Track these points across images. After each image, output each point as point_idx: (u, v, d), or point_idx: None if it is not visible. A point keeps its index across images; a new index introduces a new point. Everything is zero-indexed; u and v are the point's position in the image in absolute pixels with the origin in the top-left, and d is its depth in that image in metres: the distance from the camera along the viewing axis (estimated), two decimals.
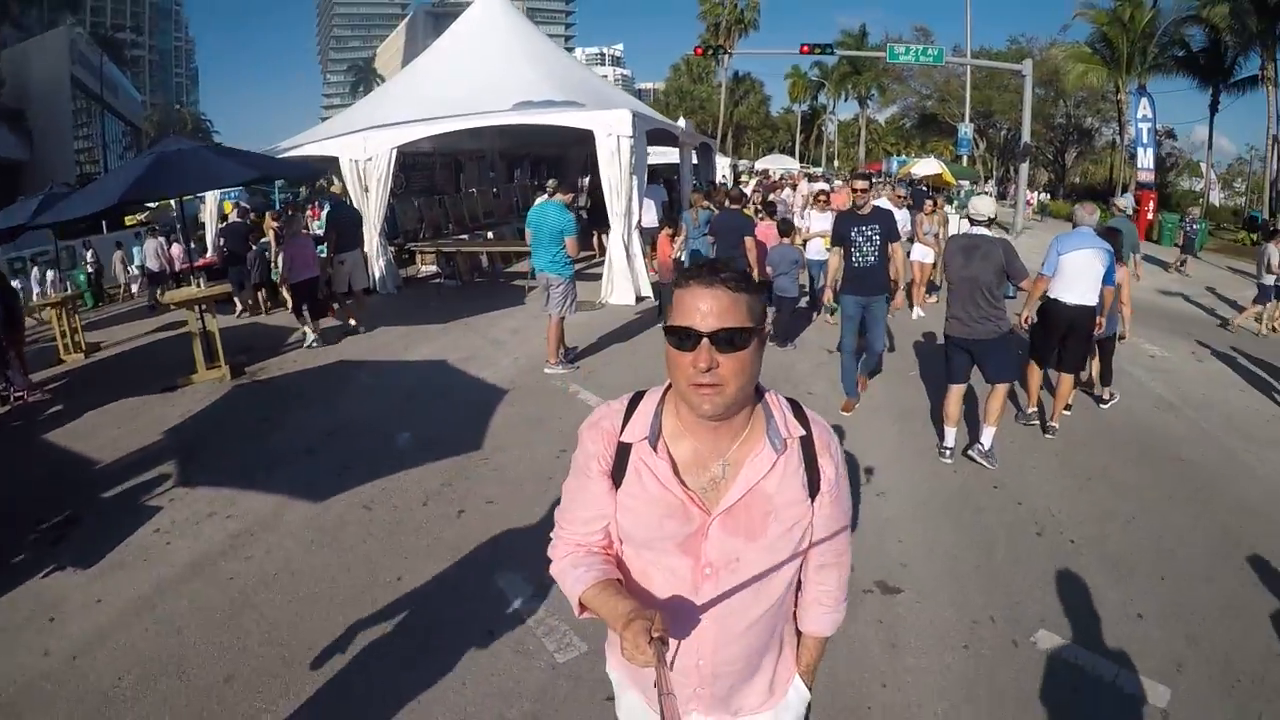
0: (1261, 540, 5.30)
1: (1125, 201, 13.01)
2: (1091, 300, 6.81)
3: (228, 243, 12.83)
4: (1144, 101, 29.53)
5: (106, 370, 10.48)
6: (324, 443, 6.77)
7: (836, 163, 69.05)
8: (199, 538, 5.25)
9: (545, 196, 10.09)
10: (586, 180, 19.86)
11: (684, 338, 1.50)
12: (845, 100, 66.49)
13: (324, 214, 13.05)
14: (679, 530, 1.64)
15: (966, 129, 33.66)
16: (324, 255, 11.27)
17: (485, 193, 19.34)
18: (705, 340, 1.48)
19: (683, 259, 11.55)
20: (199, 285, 9.24)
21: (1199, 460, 6.80)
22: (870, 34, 60.70)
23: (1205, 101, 34.48)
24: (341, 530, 5.18)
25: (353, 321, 10.94)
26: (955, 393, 6.37)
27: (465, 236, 16.31)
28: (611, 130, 12.25)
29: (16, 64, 46.41)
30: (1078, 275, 6.73)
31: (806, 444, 1.70)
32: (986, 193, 15.42)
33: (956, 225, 13.19)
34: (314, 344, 10.11)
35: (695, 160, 20.05)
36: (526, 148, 21.84)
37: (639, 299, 12.52)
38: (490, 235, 16.89)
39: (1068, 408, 7.51)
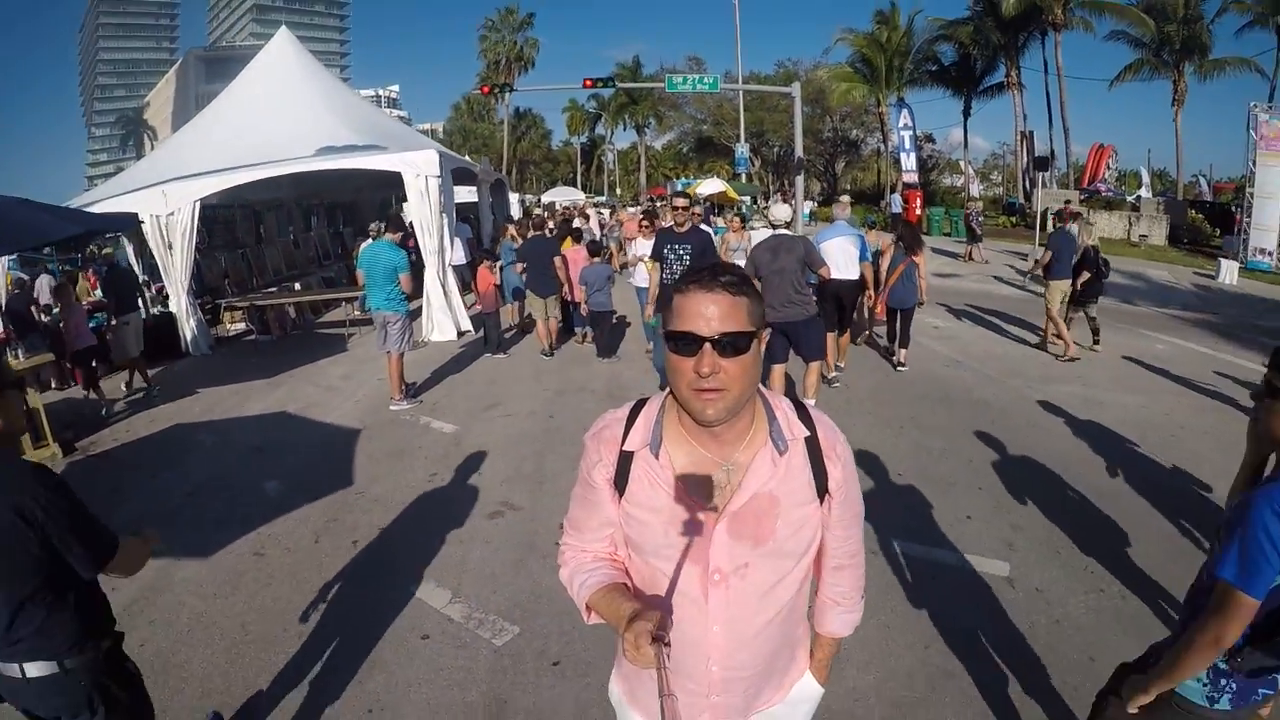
0: (1051, 445, 6.85)
1: (846, 199, 15.07)
2: (852, 274, 8.96)
3: (12, 314, 11.97)
4: (904, 112, 33.53)
5: None
6: (187, 504, 6.56)
7: (619, 190, 70.87)
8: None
9: (372, 238, 10.23)
10: (383, 224, 19.76)
11: (686, 343, 1.50)
12: (624, 129, 68.44)
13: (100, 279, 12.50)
14: (685, 537, 1.64)
15: (743, 149, 35.84)
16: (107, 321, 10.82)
17: (286, 244, 18.84)
18: (708, 345, 1.47)
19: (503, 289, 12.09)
20: (18, 358, 8.71)
21: (989, 399, 8.36)
22: (645, 65, 63.50)
23: (959, 108, 39.02)
24: (240, 579, 5.13)
25: (147, 383, 10.50)
26: (777, 371, 7.39)
27: (274, 289, 15.73)
28: (420, 171, 12.49)
29: None
30: (835, 257, 8.60)
31: (812, 444, 1.69)
32: (785, 201, 16.82)
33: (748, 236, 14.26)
34: (105, 410, 9.61)
35: (490, 197, 20.49)
36: (321, 194, 21.28)
37: (460, 333, 12.87)
38: (298, 286, 16.41)
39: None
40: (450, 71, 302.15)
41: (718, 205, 29.54)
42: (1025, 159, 32.50)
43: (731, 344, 1.47)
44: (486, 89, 33.10)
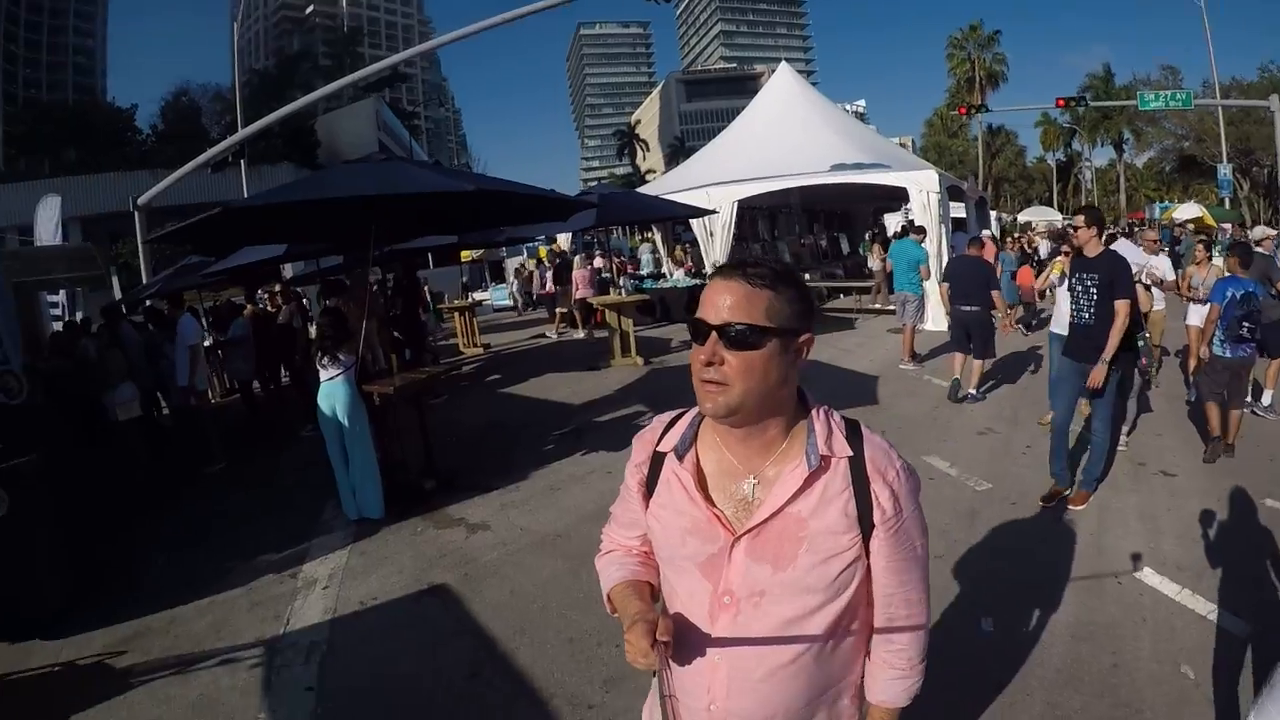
0: None
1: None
2: None
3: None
4: None
5: (514, 360, 14.51)
6: None
7: None
8: None
9: (894, 238, 13.05)
10: (872, 234, 22.75)
11: (696, 330, 1.47)
12: (1100, 146, 64.15)
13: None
14: (701, 549, 1.55)
15: (1225, 170, 32.91)
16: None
17: (794, 241, 22.27)
18: (713, 334, 1.43)
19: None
20: (622, 294, 13.09)
21: None
22: (1116, 74, 59.25)
23: None
24: None
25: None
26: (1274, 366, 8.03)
27: None
28: (922, 187, 14.86)
29: (329, 129, 52.87)
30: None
31: (856, 467, 1.53)
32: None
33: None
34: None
35: (975, 214, 22.08)
36: (821, 203, 24.33)
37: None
38: (807, 276, 19.43)
39: None
40: (917, 83, 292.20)
41: (1196, 231, 27.92)
42: None
43: (737, 336, 1.42)
44: (964, 109, 33.90)
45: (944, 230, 14.97)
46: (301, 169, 42.80)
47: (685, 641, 1.54)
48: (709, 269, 16.89)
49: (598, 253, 20.18)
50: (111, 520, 7.55)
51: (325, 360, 6.64)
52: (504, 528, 6.19)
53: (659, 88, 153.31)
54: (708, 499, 1.55)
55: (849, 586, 1.52)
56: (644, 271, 22.57)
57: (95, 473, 8.59)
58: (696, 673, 1.55)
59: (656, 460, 1.67)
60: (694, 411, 1.65)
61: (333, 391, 6.61)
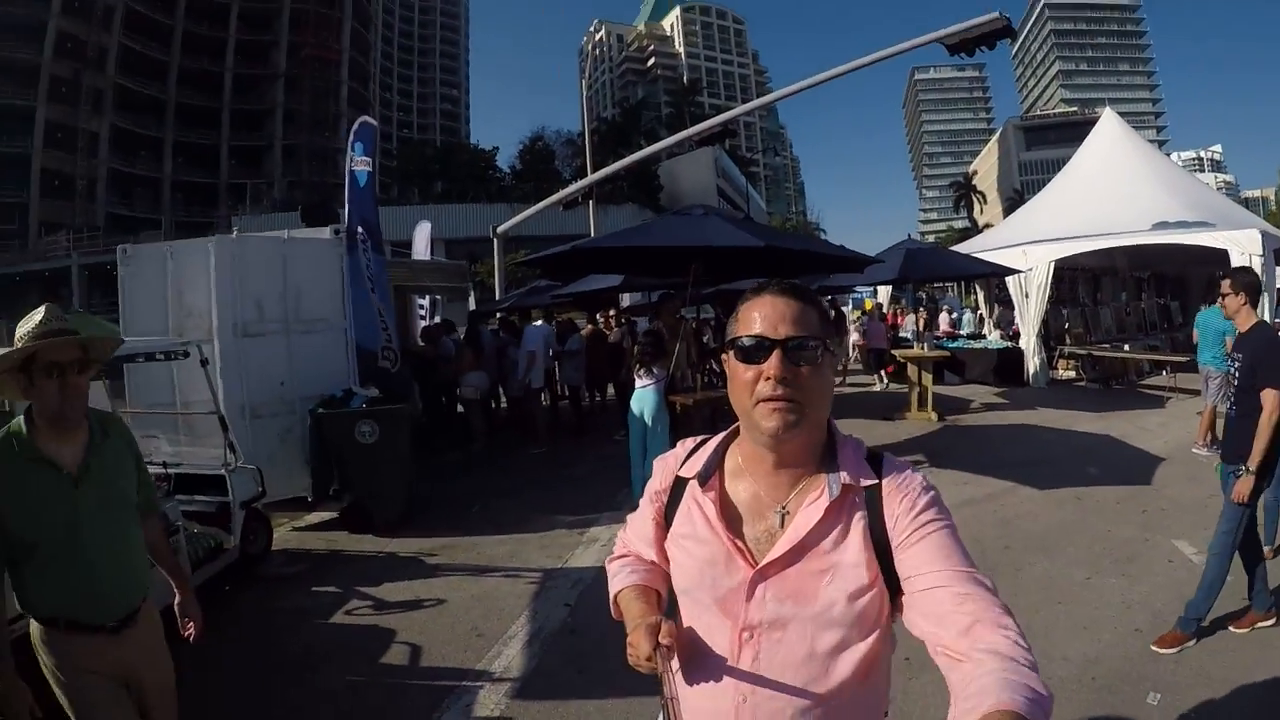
0: None
1: None
2: None
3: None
4: None
5: None
6: (1025, 467, 9.48)
7: None
8: (960, 493, 8.38)
9: (1206, 305, 12.41)
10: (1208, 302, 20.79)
11: (754, 349, 1.43)
12: None
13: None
14: (720, 582, 1.50)
15: None
16: None
17: (1118, 308, 20.78)
18: (778, 350, 1.41)
19: None
20: (923, 349, 13.65)
21: None
22: None
23: None
24: (1061, 506, 7.90)
25: None
26: None
27: (1106, 345, 18.03)
28: (1243, 249, 13.73)
29: (671, 173, 59.10)
30: None
31: (876, 493, 1.48)
32: None
33: None
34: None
35: None
36: (1150, 266, 22.51)
37: None
38: (1126, 348, 18.23)
39: None
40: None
41: None
42: None
43: (809, 349, 1.42)
44: None
45: (1268, 299, 13.63)
46: (645, 209, 47.76)
47: (708, 677, 1.52)
48: (1024, 332, 16.78)
49: (902, 308, 20.66)
50: (446, 469, 10.71)
51: (641, 371, 8.52)
52: None
53: (997, 135, 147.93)
54: (729, 530, 1.53)
55: (873, 619, 1.46)
56: (965, 330, 22.37)
57: (442, 433, 12.07)
58: (720, 710, 1.50)
59: (678, 486, 1.66)
60: (718, 438, 1.66)
61: (644, 396, 8.47)
